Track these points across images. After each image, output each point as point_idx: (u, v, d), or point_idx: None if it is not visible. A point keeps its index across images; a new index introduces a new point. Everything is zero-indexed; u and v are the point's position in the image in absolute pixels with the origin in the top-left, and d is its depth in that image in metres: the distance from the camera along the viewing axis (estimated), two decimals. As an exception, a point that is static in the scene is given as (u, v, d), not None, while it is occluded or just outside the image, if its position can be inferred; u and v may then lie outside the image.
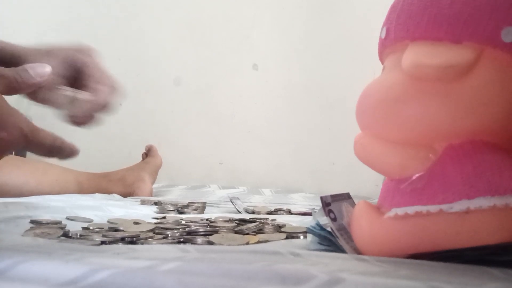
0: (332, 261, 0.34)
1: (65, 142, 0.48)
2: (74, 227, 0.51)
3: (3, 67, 0.44)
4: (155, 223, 0.56)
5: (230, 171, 1.49)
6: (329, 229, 0.40)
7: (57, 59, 0.55)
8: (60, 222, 0.52)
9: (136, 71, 1.56)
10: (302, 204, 0.99)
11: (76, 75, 0.56)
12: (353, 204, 0.43)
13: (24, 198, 0.80)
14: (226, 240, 0.47)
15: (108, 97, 0.55)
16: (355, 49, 1.39)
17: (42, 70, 0.45)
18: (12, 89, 0.44)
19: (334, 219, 0.40)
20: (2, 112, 0.41)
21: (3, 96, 0.43)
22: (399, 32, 0.38)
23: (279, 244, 0.46)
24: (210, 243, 0.46)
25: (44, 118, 0.50)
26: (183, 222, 0.58)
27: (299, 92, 1.48)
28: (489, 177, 0.33)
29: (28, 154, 1.10)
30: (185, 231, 0.51)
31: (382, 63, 0.42)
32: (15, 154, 0.46)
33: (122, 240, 0.45)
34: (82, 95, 0.53)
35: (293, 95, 1.49)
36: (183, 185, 1.34)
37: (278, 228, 0.56)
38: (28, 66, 0.45)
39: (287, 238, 0.51)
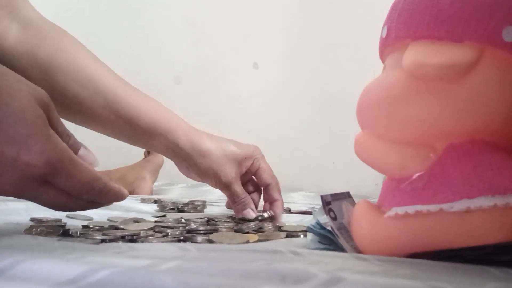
0: (332, 260, 0.34)
1: (110, 186, 0.43)
2: (74, 225, 0.51)
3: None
4: (155, 222, 0.56)
5: (230, 170, 1.49)
6: (329, 228, 0.40)
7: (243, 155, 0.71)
8: (60, 220, 0.52)
9: (136, 69, 1.56)
10: (302, 203, 0.99)
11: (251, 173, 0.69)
12: (353, 203, 0.43)
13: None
14: (226, 239, 0.47)
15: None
16: (355, 49, 1.39)
17: (92, 159, 0.45)
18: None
19: (334, 218, 0.40)
20: (33, 134, 0.37)
21: (45, 120, 0.39)
22: (400, 31, 0.38)
23: (279, 243, 0.46)
24: (210, 241, 0.46)
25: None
26: (183, 220, 0.58)
27: (299, 91, 1.48)
28: (490, 176, 0.33)
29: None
30: (185, 230, 0.50)
31: (383, 62, 0.42)
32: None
33: (122, 238, 0.45)
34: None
35: (293, 94, 1.49)
36: (183, 184, 1.34)
37: (278, 227, 0.56)
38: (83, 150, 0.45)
39: (287, 237, 0.51)
